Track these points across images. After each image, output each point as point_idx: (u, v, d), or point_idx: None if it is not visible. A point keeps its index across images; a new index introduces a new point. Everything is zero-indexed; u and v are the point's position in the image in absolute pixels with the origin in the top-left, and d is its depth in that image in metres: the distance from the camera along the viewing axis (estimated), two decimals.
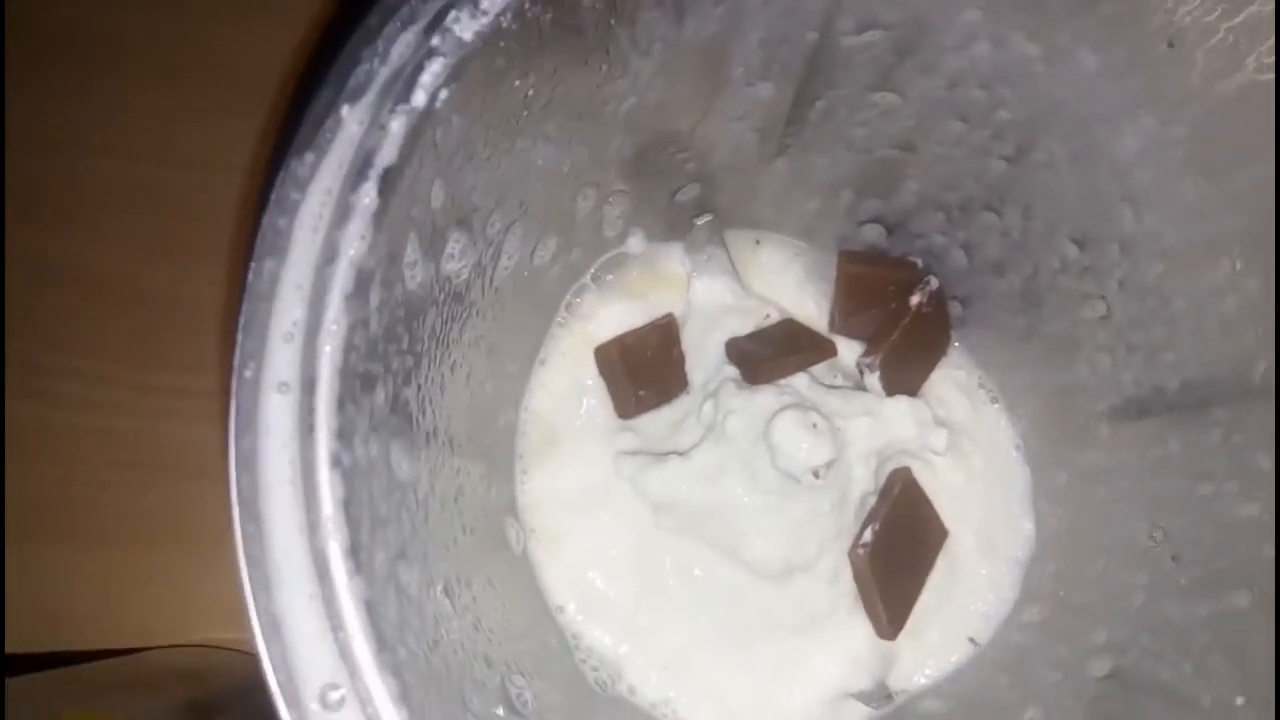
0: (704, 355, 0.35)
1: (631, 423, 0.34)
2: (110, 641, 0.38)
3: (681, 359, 0.35)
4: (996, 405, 0.36)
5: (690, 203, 0.35)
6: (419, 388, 0.23)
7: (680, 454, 0.32)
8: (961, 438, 0.35)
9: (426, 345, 0.23)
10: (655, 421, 0.34)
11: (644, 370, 0.34)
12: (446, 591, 0.22)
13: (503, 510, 0.32)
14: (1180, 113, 0.25)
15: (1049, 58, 0.26)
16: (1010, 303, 0.34)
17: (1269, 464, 0.25)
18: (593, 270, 0.35)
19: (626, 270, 0.35)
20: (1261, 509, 0.26)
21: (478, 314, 0.27)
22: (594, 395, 0.35)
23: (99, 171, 0.41)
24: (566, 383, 0.35)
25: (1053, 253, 0.31)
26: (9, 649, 0.36)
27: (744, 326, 0.35)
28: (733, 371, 0.33)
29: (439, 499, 0.24)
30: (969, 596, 0.32)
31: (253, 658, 0.34)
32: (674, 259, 0.36)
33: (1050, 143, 0.28)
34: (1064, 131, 0.28)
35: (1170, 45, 0.23)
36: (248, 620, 0.16)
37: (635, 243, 0.35)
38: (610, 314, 0.35)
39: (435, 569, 0.22)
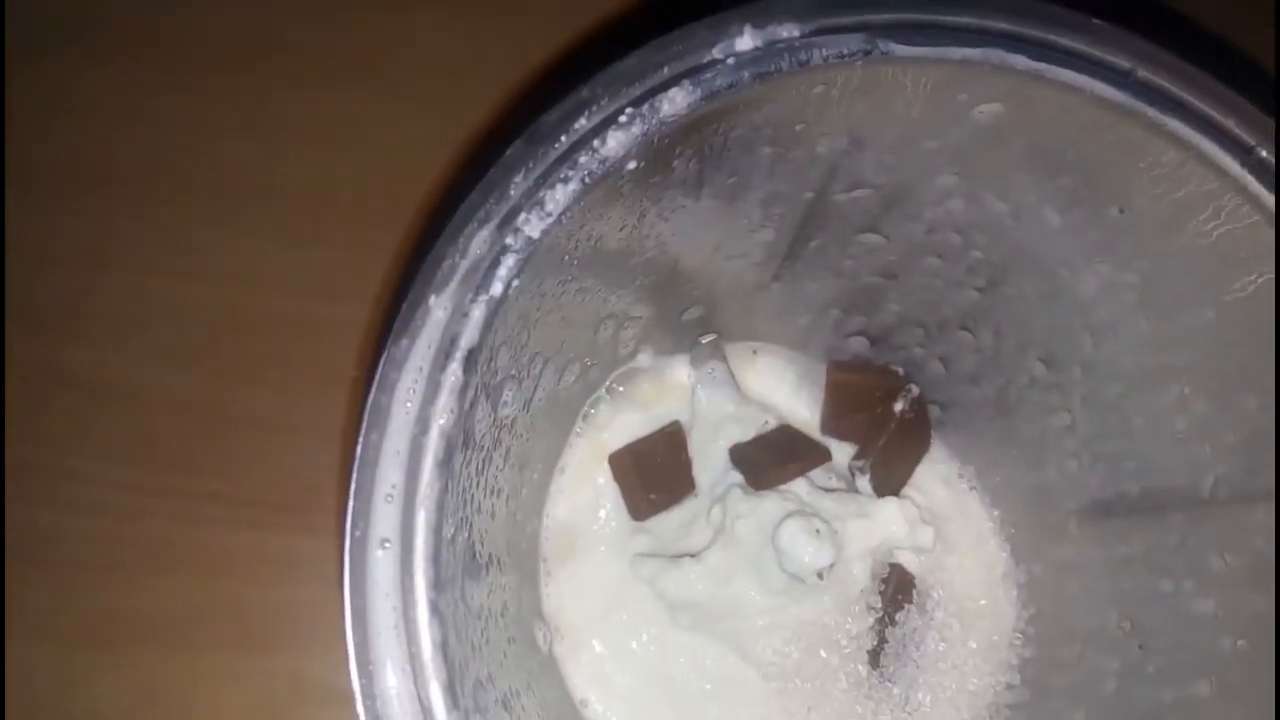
0: (709, 460, 0.38)
1: (644, 524, 0.37)
2: None
3: (689, 463, 0.38)
4: (976, 495, 0.39)
5: (694, 322, 0.38)
6: (479, 524, 0.25)
7: (693, 556, 0.35)
8: (946, 525, 0.38)
9: (485, 481, 0.26)
10: (667, 523, 0.37)
11: (655, 474, 0.37)
12: (505, 705, 0.25)
13: (532, 614, 0.34)
14: (1131, 263, 0.29)
15: (1016, 213, 0.30)
16: (985, 409, 0.38)
17: (1220, 565, 0.29)
18: (607, 384, 0.38)
19: (637, 383, 0.39)
20: (1215, 605, 0.29)
21: (517, 440, 0.30)
22: (609, 499, 0.38)
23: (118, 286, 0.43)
24: (584, 489, 0.38)
25: (1022, 369, 0.35)
26: None
27: (745, 433, 0.38)
28: (737, 477, 0.37)
29: (494, 618, 0.27)
30: (968, 674, 0.35)
31: None
32: (679, 370, 0.39)
33: (1018, 279, 0.32)
34: (1030, 271, 0.31)
35: (1121, 211, 0.27)
36: None
37: (645, 358, 0.38)
38: (622, 423, 0.38)
39: (498, 686, 0.24)
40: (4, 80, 0.44)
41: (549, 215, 0.22)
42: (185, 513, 0.41)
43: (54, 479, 0.41)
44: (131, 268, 0.44)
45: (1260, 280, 0.26)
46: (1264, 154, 0.24)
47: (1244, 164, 0.24)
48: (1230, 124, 0.24)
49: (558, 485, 0.37)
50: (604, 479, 0.37)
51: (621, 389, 0.38)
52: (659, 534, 0.37)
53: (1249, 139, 0.24)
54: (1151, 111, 0.24)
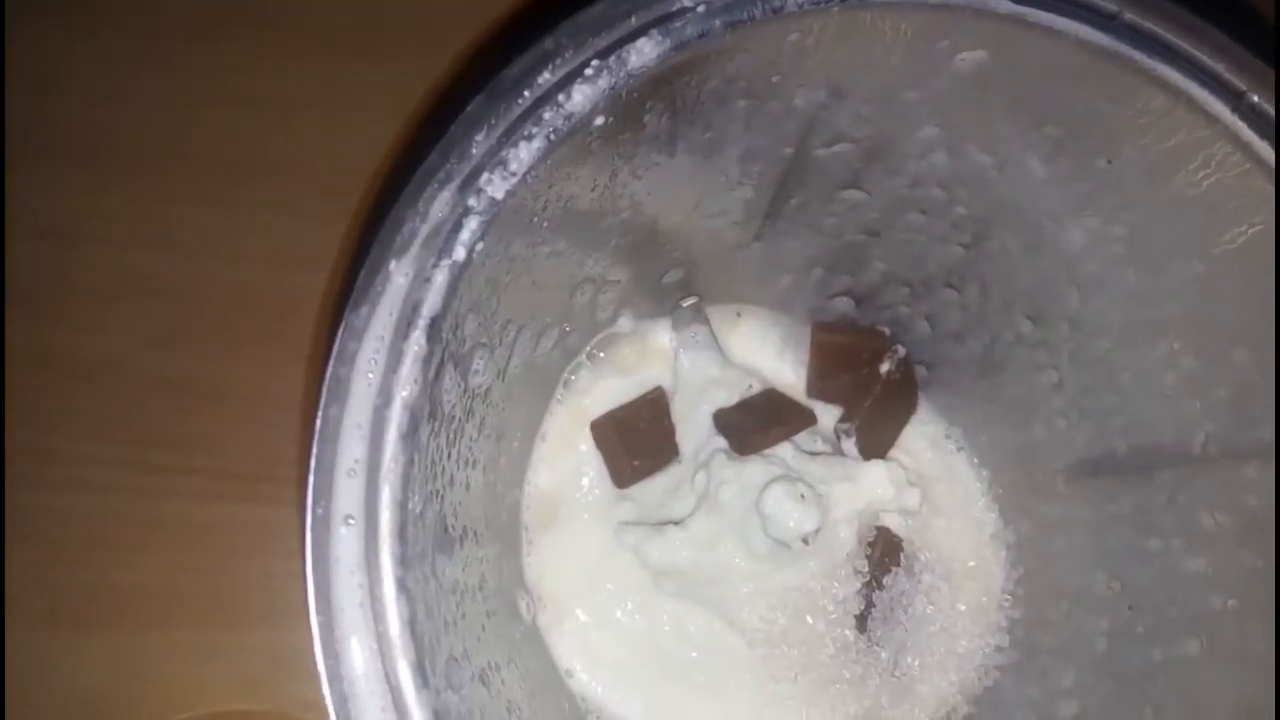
0: (693, 425, 0.37)
1: (628, 492, 0.37)
2: (127, 716, 0.39)
3: (672, 429, 0.37)
4: (963, 456, 0.39)
5: (675, 284, 0.37)
6: (451, 497, 0.25)
7: (677, 523, 0.35)
8: (933, 486, 0.38)
9: (457, 454, 0.25)
10: (650, 490, 0.37)
11: (638, 441, 0.36)
12: (483, 680, 0.24)
13: (514, 584, 0.34)
14: (1119, 215, 0.28)
15: (1001, 166, 0.29)
16: (972, 368, 0.37)
17: (1210, 523, 0.29)
18: (587, 350, 0.37)
19: (618, 347, 0.38)
20: (1206, 564, 0.29)
21: (491, 410, 0.29)
22: (591, 466, 0.37)
23: (96, 261, 0.42)
24: (565, 456, 0.37)
25: (1009, 326, 0.34)
26: None
27: (729, 397, 0.37)
28: (722, 442, 0.36)
29: (469, 592, 0.26)
30: (957, 637, 0.35)
31: None
32: (661, 335, 0.38)
33: (1003, 234, 0.31)
34: (1015, 225, 0.31)
35: (1108, 162, 0.26)
36: None
37: (625, 322, 0.37)
38: (604, 389, 0.37)
39: (474, 661, 0.24)
40: None
41: (513, 175, 0.21)
42: (161, 487, 0.41)
43: (30, 456, 0.41)
44: (105, 242, 0.43)
45: (1251, 231, 0.25)
46: (1256, 99, 0.23)
47: (1235, 110, 0.23)
48: (1221, 69, 0.23)
49: (539, 453, 0.36)
50: (586, 446, 0.37)
51: (602, 354, 0.38)
52: (642, 501, 0.36)
53: (1240, 84, 0.23)
54: (1139, 56, 0.24)
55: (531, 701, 0.29)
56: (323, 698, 0.18)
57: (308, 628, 0.39)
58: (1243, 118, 0.24)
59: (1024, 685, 0.34)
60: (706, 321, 0.38)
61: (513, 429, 0.34)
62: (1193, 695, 0.28)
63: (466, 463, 0.27)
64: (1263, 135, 0.23)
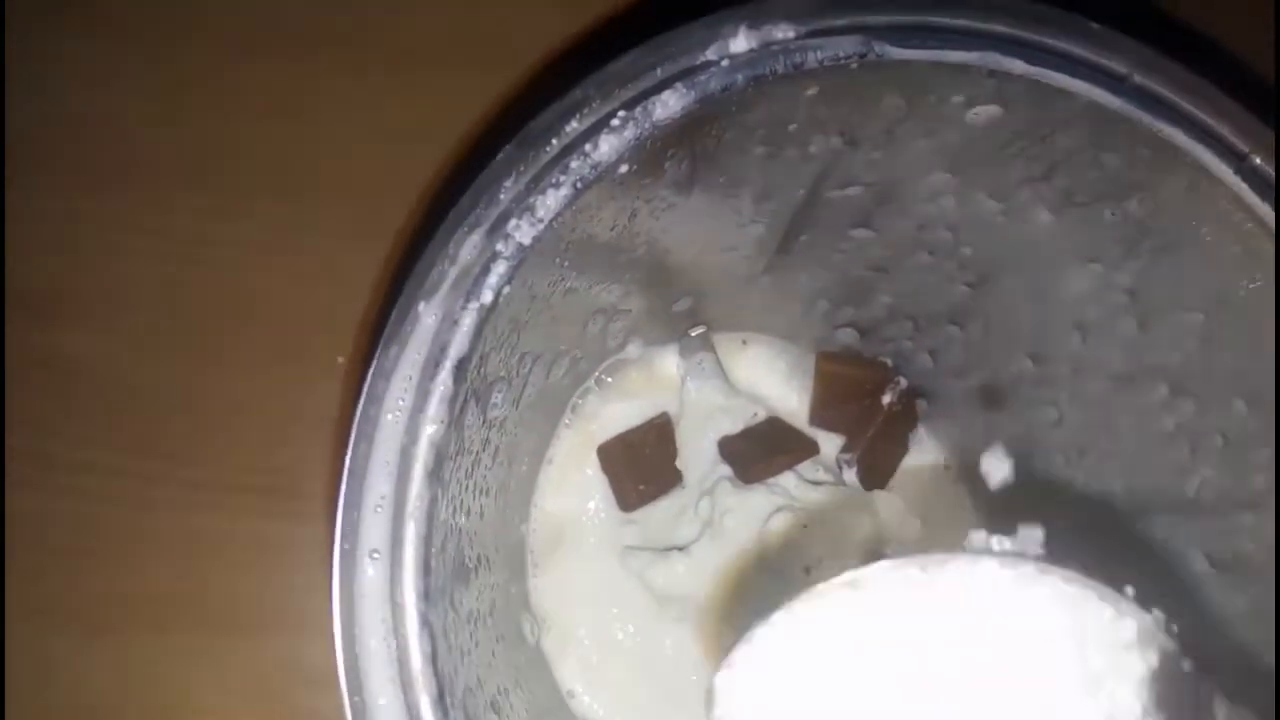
0: (698, 452, 0.38)
1: (633, 516, 0.37)
2: None
3: (676, 454, 0.38)
4: (963, 488, 0.39)
5: (684, 313, 0.38)
6: (468, 528, 0.25)
7: (681, 549, 0.35)
8: (933, 517, 0.38)
9: (472, 485, 0.26)
10: (655, 514, 0.37)
11: (643, 465, 0.37)
12: (494, 707, 0.25)
13: (519, 608, 0.34)
14: (1123, 264, 0.29)
15: (1008, 212, 0.30)
16: (972, 402, 0.38)
17: (1204, 568, 0.29)
18: (596, 375, 0.38)
19: (626, 373, 0.38)
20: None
21: (505, 437, 0.30)
22: (597, 490, 0.38)
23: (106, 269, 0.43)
24: (572, 480, 0.37)
25: (1010, 364, 0.35)
26: None
27: (734, 425, 0.38)
28: (726, 470, 0.37)
29: (482, 619, 0.26)
30: None
31: None
32: (669, 361, 0.39)
33: (1008, 277, 0.32)
34: (1020, 269, 0.31)
35: (1113, 213, 0.27)
36: None
37: (633, 349, 0.38)
38: (611, 414, 0.38)
39: (486, 690, 0.25)
40: None
41: (540, 221, 0.22)
42: (163, 498, 0.41)
43: (35, 461, 0.41)
44: (113, 250, 0.43)
45: (1251, 286, 0.26)
46: (1258, 161, 0.24)
47: (1238, 171, 0.24)
48: (1225, 131, 0.24)
49: (545, 476, 0.37)
50: (592, 470, 0.37)
51: (610, 380, 0.38)
52: (647, 526, 0.37)
53: (1244, 147, 0.24)
54: (1147, 118, 0.24)
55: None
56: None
57: (326, 635, 0.40)
58: (1244, 179, 0.24)
59: None
60: (713, 349, 0.39)
61: (522, 454, 0.34)
62: None
63: (481, 491, 0.28)
64: (1263, 197, 0.24)
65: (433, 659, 0.20)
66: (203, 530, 0.41)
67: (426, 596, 0.20)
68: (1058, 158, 0.27)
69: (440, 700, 0.20)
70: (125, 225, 0.43)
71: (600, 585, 0.36)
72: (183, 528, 0.41)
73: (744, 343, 0.40)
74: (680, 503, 0.37)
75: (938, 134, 0.27)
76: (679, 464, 0.38)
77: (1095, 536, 0.32)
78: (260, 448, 0.42)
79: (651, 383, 0.39)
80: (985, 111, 0.26)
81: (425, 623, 0.20)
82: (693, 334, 0.38)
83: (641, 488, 0.37)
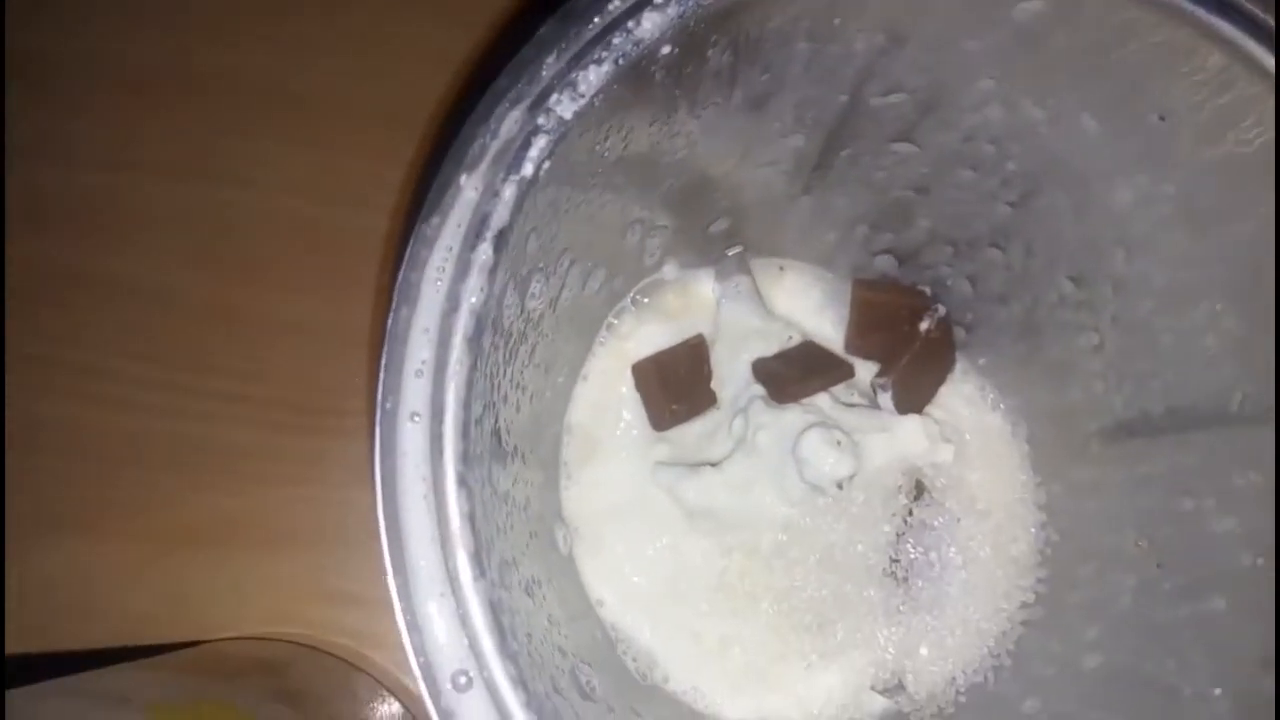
0: (732, 373, 0.38)
1: (665, 434, 0.37)
2: (169, 636, 0.40)
3: (710, 376, 0.38)
4: (999, 415, 0.39)
5: (721, 234, 0.38)
6: (505, 413, 0.26)
7: (713, 465, 0.35)
8: (968, 444, 0.38)
9: (511, 373, 0.26)
10: (687, 433, 0.37)
11: (677, 386, 0.37)
12: (528, 590, 0.25)
13: (552, 515, 0.35)
14: (1170, 174, 0.28)
15: (1053, 120, 0.29)
16: (1011, 330, 0.37)
17: (1244, 483, 0.29)
18: (631, 295, 0.38)
19: (662, 294, 0.39)
20: (1236, 523, 0.29)
21: (542, 339, 0.30)
22: (630, 408, 0.38)
23: (147, 189, 0.43)
24: (606, 397, 0.38)
25: (1051, 287, 0.35)
26: (93, 646, 0.39)
27: (769, 348, 0.38)
28: (760, 390, 0.37)
29: (517, 508, 0.27)
30: (983, 593, 0.36)
31: (320, 652, 0.37)
32: (704, 283, 0.39)
33: (1052, 192, 0.32)
34: (1065, 183, 0.31)
35: (1162, 118, 0.27)
36: (394, 616, 0.19)
37: (670, 270, 0.38)
38: (646, 334, 0.38)
39: (521, 571, 0.25)
40: None
41: (581, 96, 0.22)
42: (208, 411, 0.42)
43: (86, 375, 0.42)
44: (152, 169, 0.44)
45: None
46: None
47: None
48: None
49: (580, 391, 0.37)
50: (626, 388, 0.38)
51: (646, 300, 0.38)
52: (679, 442, 0.37)
53: None
54: (1198, 11, 0.24)
55: (569, 622, 0.30)
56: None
57: (356, 553, 0.40)
58: None
59: (1049, 639, 0.34)
60: (750, 273, 0.39)
61: (558, 364, 0.34)
62: (1216, 648, 0.28)
63: (518, 386, 0.28)
64: None
65: (470, 519, 0.20)
66: (242, 443, 0.42)
67: (464, 459, 0.21)
68: (1103, 59, 0.26)
69: (477, 557, 0.20)
70: (173, 144, 0.44)
71: (632, 499, 0.36)
72: (222, 440, 0.42)
73: (781, 269, 0.40)
74: (713, 422, 0.37)
75: (984, 34, 0.27)
76: (713, 385, 0.38)
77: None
78: (301, 365, 0.42)
79: (687, 305, 0.39)
80: (1031, 7, 0.25)
81: (463, 483, 0.20)
82: (730, 254, 0.38)
83: (675, 408, 0.37)
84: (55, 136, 0.43)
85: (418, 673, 0.19)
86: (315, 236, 0.43)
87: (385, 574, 0.19)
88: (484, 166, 0.22)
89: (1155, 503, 0.32)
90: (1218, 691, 0.27)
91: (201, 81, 0.44)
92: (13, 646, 0.38)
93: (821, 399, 0.36)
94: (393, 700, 0.38)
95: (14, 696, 0.22)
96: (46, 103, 0.44)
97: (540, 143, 0.22)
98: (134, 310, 0.43)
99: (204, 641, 0.40)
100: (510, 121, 0.22)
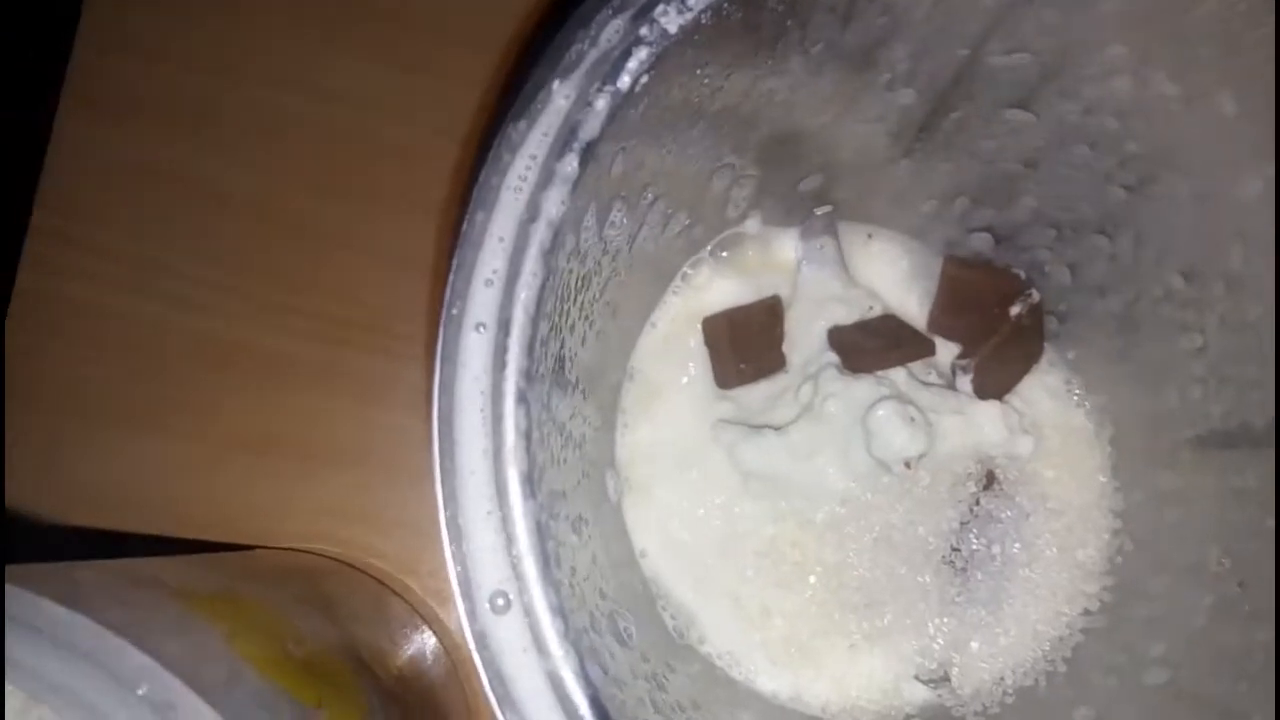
0: (806, 338, 0.37)
1: (728, 392, 0.36)
2: (208, 538, 0.41)
3: (782, 339, 0.37)
4: (1083, 412, 0.37)
5: (810, 193, 0.36)
6: (571, 341, 0.25)
7: (776, 429, 0.34)
8: (1047, 438, 0.36)
9: (581, 302, 0.25)
10: (752, 394, 0.36)
11: (747, 345, 0.36)
12: (574, 527, 0.25)
13: (605, 461, 0.34)
14: None
15: (1188, 97, 0.27)
16: (1108, 324, 0.35)
17: None
18: (710, 246, 0.37)
19: (742, 249, 0.37)
20: None
21: (615, 277, 0.29)
22: (697, 361, 0.37)
23: (233, 96, 0.43)
24: (673, 347, 0.37)
25: (1158, 282, 0.33)
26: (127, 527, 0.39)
27: (848, 316, 0.36)
28: (833, 358, 0.35)
29: (573, 443, 0.26)
30: (1045, 594, 0.34)
31: (357, 570, 0.37)
32: (787, 244, 0.38)
33: (1174, 177, 0.30)
34: (1190, 168, 0.29)
35: None
36: (437, 526, 0.18)
37: (753, 224, 0.37)
38: (721, 288, 0.37)
39: (571, 506, 0.24)
40: None
41: (689, 10, 0.21)
42: (263, 319, 0.41)
43: (139, 267, 0.42)
44: (237, 75, 0.43)
45: None
46: None
47: None
48: None
49: (647, 338, 0.36)
50: (695, 341, 0.37)
51: (725, 254, 0.37)
52: (743, 403, 0.36)
53: None
54: None
55: (612, 569, 0.29)
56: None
57: (400, 476, 0.40)
58: None
59: (1110, 650, 0.32)
60: (836, 236, 0.37)
61: (627, 307, 0.33)
62: None
63: (586, 318, 0.27)
64: None
65: (526, 437, 0.19)
66: (294, 354, 0.42)
67: (528, 376, 0.20)
68: (1257, 29, 0.24)
69: (529, 478, 0.19)
70: (261, 53, 0.43)
71: (688, 454, 0.35)
72: (275, 349, 0.42)
73: (869, 236, 0.39)
74: (780, 385, 0.36)
75: None
76: (785, 348, 0.37)
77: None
78: (358, 283, 0.42)
79: (767, 263, 0.38)
80: None
81: (523, 399, 0.19)
82: (818, 213, 0.36)
83: (742, 367, 0.36)
84: (146, 32, 0.43)
85: (456, 589, 0.18)
86: (387, 156, 0.42)
87: (434, 484, 0.18)
88: (579, 74, 0.20)
89: (1244, 519, 0.30)
90: None
91: None
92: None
93: (897, 374, 0.35)
94: (425, 629, 0.38)
95: (56, 568, 0.22)
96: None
97: (640, 54, 0.21)
98: (198, 210, 0.43)
99: (242, 546, 0.40)
100: (611, 29, 0.21)
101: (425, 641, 0.37)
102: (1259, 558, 0.29)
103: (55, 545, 0.38)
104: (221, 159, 0.43)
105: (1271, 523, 0.29)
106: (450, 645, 0.39)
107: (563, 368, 0.24)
